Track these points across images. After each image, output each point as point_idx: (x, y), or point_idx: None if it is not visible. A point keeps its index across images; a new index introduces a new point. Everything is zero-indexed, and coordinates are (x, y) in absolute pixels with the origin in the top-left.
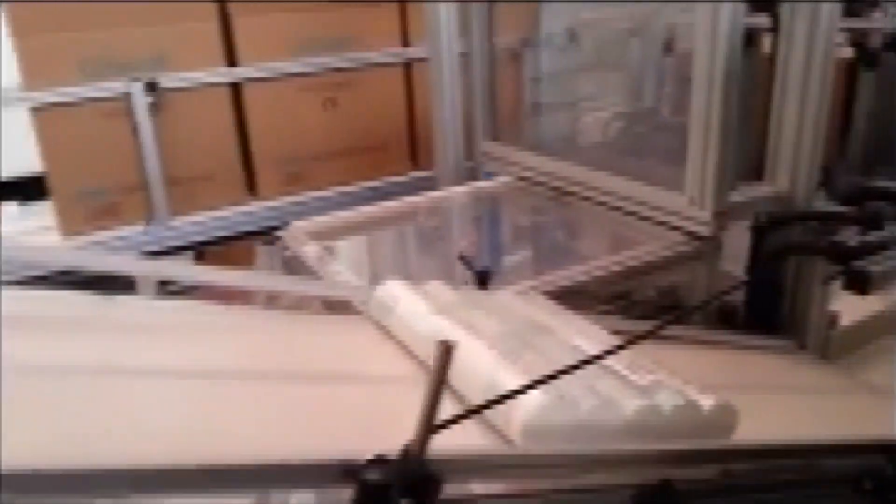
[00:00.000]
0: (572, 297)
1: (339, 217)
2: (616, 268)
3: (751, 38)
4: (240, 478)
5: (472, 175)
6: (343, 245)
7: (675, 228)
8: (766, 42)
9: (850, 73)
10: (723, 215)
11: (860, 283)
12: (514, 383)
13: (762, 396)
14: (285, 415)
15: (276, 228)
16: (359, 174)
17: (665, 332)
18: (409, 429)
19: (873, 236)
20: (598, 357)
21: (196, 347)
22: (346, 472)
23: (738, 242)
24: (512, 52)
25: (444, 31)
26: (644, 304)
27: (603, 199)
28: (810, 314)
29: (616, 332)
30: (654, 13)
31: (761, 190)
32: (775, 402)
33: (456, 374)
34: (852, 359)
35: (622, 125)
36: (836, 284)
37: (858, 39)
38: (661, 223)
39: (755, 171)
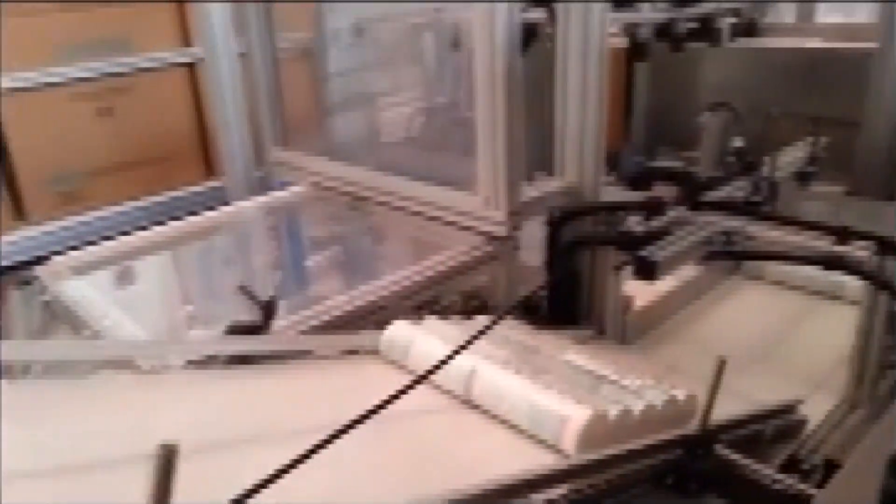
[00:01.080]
0: (378, 312)
1: (108, 246)
2: (418, 278)
3: (532, 32)
4: None
5: (265, 184)
6: (116, 276)
7: (474, 230)
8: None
9: (629, 62)
10: (516, 214)
11: (647, 270)
12: (550, 403)
13: None
14: None
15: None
16: (146, 187)
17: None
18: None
19: (657, 222)
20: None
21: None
22: None
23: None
24: (300, 50)
25: (217, 30)
26: (451, 309)
27: (402, 203)
28: (606, 301)
29: None
30: (440, 8)
31: (552, 185)
32: None
33: (497, 400)
34: (648, 340)
35: (419, 126)
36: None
37: (630, 31)
38: (460, 225)
39: (549, 165)
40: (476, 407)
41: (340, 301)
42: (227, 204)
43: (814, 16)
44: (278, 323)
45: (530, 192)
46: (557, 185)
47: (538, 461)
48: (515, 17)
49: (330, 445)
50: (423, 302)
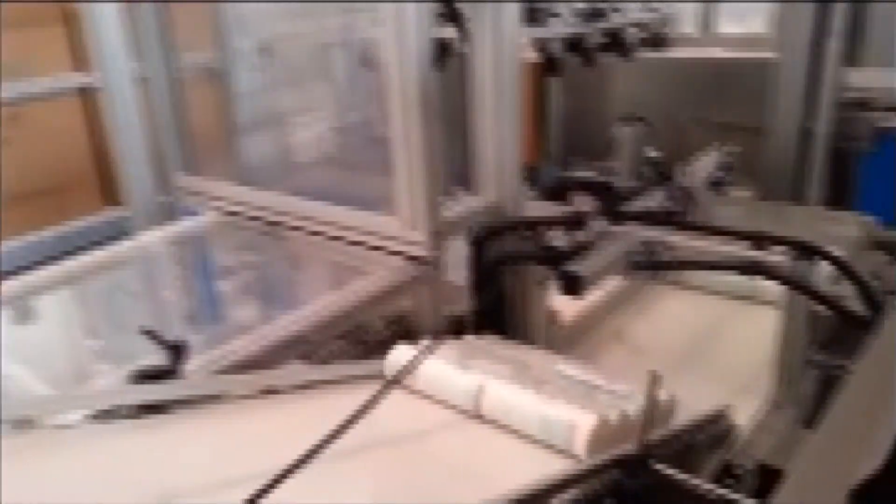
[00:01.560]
0: (301, 344)
1: (4, 286)
2: (334, 308)
3: (445, 49)
4: None
5: (170, 212)
6: (11, 319)
7: (395, 253)
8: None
9: (541, 76)
10: (438, 235)
11: (572, 286)
12: (558, 411)
13: None
14: None
15: None
16: (42, 219)
17: None
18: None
19: (580, 236)
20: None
21: None
22: None
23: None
24: (205, 72)
25: (113, 54)
26: (376, 335)
27: (318, 228)
28: (532, 317)
29: None
30: (347, 27)
31: (473, 203)
32: None
33: (507, 413)
34: (577, 353)
35: (333, 146)
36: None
37: (541, 46)
38: (380, 249)
39: (467, 180)
40: (484, 420)
41: (265, 332)
42: (127, 234)
43: (713, 27)
44: (190, 364)
45: (452, 210)
46: (478, 204)
47: (551, 466)
48: (425, 35)
49: (351, 465)
50: (344, 331)
